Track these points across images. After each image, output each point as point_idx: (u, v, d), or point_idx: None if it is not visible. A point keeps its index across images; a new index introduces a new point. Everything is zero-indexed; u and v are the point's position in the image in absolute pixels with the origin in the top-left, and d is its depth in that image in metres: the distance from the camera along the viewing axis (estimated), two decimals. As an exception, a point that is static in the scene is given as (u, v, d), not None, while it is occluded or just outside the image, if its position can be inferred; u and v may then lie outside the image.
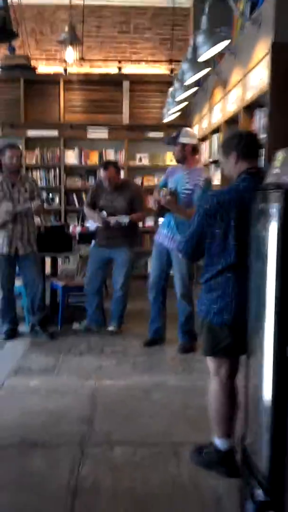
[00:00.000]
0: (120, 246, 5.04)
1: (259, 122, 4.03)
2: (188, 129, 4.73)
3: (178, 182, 4.44)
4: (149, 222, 7.58)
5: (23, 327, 5.18)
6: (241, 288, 2.49)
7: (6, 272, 4.90)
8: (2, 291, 4.92)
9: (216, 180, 5.31)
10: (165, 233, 4.56)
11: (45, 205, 5.72)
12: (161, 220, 4.76)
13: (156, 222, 6.99)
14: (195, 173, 4.46)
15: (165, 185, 4.61)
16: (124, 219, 4.91)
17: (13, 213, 4.71)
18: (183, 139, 4.46)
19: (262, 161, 3.75)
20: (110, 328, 5.11)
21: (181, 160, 4.51)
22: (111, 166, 5.06)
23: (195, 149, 4.58)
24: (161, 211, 4.44)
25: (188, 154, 4.49)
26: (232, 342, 2.56)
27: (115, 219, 4.93)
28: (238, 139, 2.67)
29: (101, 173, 5.05)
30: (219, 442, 2.67)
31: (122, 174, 7.51)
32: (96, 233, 5.24)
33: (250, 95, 4.16)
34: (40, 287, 4.96)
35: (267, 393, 2.08)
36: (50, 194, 7.86)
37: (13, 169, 4.80)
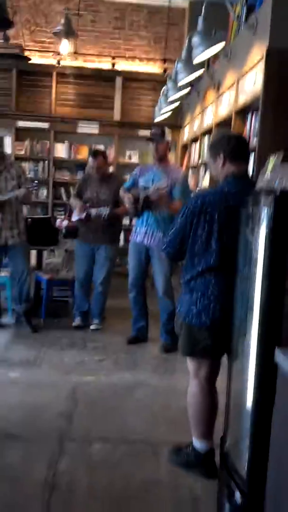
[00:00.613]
0: (101, 243, 5.04)
1: (251, 126, 4.05)
2: (167, 128, 4.76)
3: (154, 180, 4.47)
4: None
5: (6, 319, 5.16)
6: (221, 291, 2.51)
7: None
8: None
9: (205, 182, 5.33)
10: (143, 231, 4.56)
11: (32, 196, 5.66)
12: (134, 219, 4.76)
13: (131, 220, 7.01)
14: (172, 170, 4.60)
15: (133, 184, 4.65)
16: (104, 211, 4.90)
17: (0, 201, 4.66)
18: (167, 137, 4.59)
19: (251, 165, 3.79)
20: (92, 326, 5.11)
21: (163, 157, 4.57)
22: (100, 155, 5.10)
23: (170, 148, 4.80)
24: (138, 209, 4.45)
25: (168, 152, 4.65)
26: (211, 344, 2.57)
27: (96, 210, 4.92)
28: (226, 141, 2.66)
29: (90, 161, 5.08)
30: (197, 444, 2.69)
31: (111, 170, 7.51)
32: (79, 228, 5.23)
33: (243, 99, 4.18)
34: (28, 278, 4.92)
35: (250, 396, 2.10)
36: (35, 182, 7.75)
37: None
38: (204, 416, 2.66)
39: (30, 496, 2.44)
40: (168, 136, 4.62)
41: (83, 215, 4.99)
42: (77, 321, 5.17)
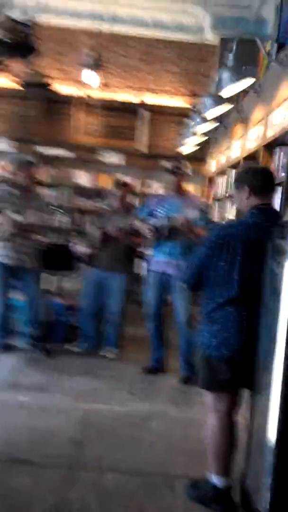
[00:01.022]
0: (115, 270, 4.99)
1: (279, 160, 4.04)
2: (184, 160, 4.79)
3: (175, 209, 4.45)
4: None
5: (19, 342, 5.09)
6: (242, 323, 2.48)
7: (4, 284, 4.83)
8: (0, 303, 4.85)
9: (230, 215, 5.32)
10: (164, 261, 4.52)
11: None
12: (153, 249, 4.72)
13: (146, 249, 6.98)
14: (192, 199, 4.69)
15: (149, 213, 4.62)
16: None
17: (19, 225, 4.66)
18: (186, 170, 4.61)
19: (279, 199, 3.77)
20: (107, 354, 5.03)
21: (181, 189, 4.61)
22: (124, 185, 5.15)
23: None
24: (162, 237, 4.44)
25: (186, 184, 4.71)
26: (230, 377, 2.51)
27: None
28: (252, 174, 2.67)
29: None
30: (216, 479, 2.58)
31: (137, 202, 7.53)
32: (93, 255, 5.22)
33: (271, 133, 4.19)
34: (41, 302, 4.90)
35: (272, 433, 2.04)
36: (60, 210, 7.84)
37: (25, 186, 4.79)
38: (223, 451, 2.57)
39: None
40: (187, 168, 4.62)
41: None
42: (77, 347, 5.11)
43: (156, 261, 4.60)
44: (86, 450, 3.10)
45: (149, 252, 4.80)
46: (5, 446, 3.05)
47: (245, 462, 2.36)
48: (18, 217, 4.68)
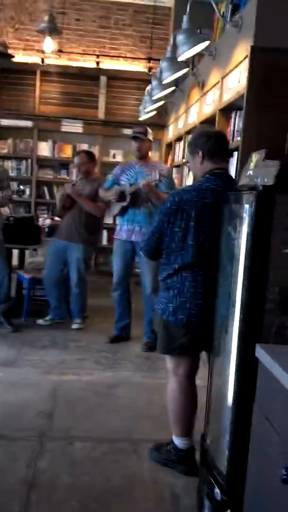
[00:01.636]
0: (76, 241, 5.00)
1: (235, 124, 4.05)
2: (148, 127, 4.76)
3: (138, 176, 4.49)
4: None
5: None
6: (198, 288, 2.50)
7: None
8: None
9: (189, 181, 5.33)
10: (129, 229, 4.55)
11: (15, 196, 5.57)
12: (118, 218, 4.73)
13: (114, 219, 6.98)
14: (155, 165, 4.67)
15: (113, 184, 4.64)
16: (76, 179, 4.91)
17: None
18: (150, 136, 4.64)
19: (234, 163, 3.80)
20: (74, 326, 5.08)
21: (145, 155, 4.64)
22: (82, 152, 5.21)
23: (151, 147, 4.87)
24: (123, 207, 4.50)
25: (150, 150, 4.74)
26: (188, 341, 2.56)
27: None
28: (206, 138, 2.63)
29: (75, 159, 5.13)
30: (178, 441, 2.67)
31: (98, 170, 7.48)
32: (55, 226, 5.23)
33: (227, 97, 4.18)
34: (6, 277, 4.87)
35: (231, 393, 2.09)
36: (21, 186, 7.75)
37: None
38: (184, 413, 2.65)
39: (10, 493, 2.41)
40: (150, 135, 4.65)
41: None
42: (45, 319, 5.15)
43: (121, 229, 4.63)
44: (55, 421, 3.17)
45: (116, 220, 4.81)
46: (-24, 421, 3.08)
47: (205, 423, 2.44)
48: None
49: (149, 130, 4.67)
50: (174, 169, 6.73)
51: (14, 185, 6.87)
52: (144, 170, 4.53)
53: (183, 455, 2.65)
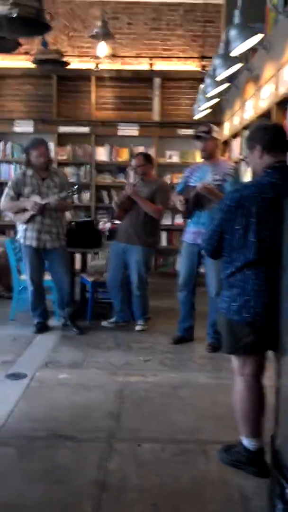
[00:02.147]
0: (134, 243, 5.02)
1: (293, 117, 3.97)
2: (213, 125, 4.68)
3: (205, 177, 4.41)
4: (178, 220, 7.55)
5: (54, 321, 5.24)
6: (262, 285, 2.46)
7: (35, 266, 4.92)
8: (32, 284, 4.95)
9: (247, 178, 5.25)
10: (195, 231, 4.53)
11: (73, 199, 5.65)
12: (188, 220, 4.73)
13: (185, 221, 6.98)
14: (222, 164, 4.51)
15: (184, 187, 4.61)
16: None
17: (41, 206, 4.72)
18: (215, 134, 4.51)
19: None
20: (137, 327, 5.12)
21: (211, 154, 4.51)
22: (140, 154, 5.17)
23: (219, 146, 4.75)
24: (191, 210, 4.45)
25: (217, 148, 4.57)
26: (253, 340, 2.52)
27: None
28: (263, 132, 2.57)
29: (132, 162, 5.13)
30: (247, 442, 2.64)
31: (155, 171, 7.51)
32: (115, 229, 5.27)
33: (283, 90, 4.10)
34: (67, 282, 4.97)
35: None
36: (75, 187, 7.86)
37: (42, 167, 4.83)
38: (252, 414, 2.61)
39: (82, 495, 2.46)
40: (216, 132, 4.54)
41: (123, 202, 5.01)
42: (109, 321, 5.20)
43: (189, 232, 4.62)
44: (122, 422, 3.21)
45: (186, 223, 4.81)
46: (47, 422, 3.17)
47: (275, 423, 2.40)
48: (38, 198, 4.74)
49: (215, 128, 4.54)
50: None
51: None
52: (210, 170, 4.42)
53: (252, 456, 2.61)
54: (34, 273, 4.93)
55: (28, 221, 4.79)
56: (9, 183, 4.95)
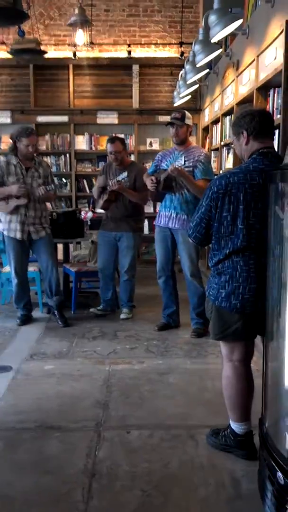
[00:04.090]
0: (125, 230, 5.04)
1: (274, 102, 3.96)
2: (187, 112, 4.68)
3: (176, 163, 4.43)
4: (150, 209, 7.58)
5: (37, 313, 5.22)
6: (250, 272, 2.46)
7: (19, 258, 4.88)
8: (16, 276, 4.91)
9: (228, 164, 5.26)
10: (166, 214, 4.54)
11: (57, 191, 5.60)
12: (158, 204, 4.74)
13: (154, 206, 7.00)
14: (193, 150, 4.55)
15: (155, 171, 4.64)
16: (122, 176, 4.85)
17: (27, 189, 4.67)
18: (187, 121, 4.54)
19: (276, 141, 3.70)
20: (122, 315, 5.12)
21: (183, 140, 4.55)
22: (117, 140, 5.07)
23: (191, 132, 4.78)
24: (161, 192, 4.48)
25: (188, 135, 4.61)
26: (242, 326, 2.53)
27: (114, 180, 4.88)
28: (249, 118, 2.55)
29: (108, 147, 5.04)
30: (235, 426, 2.66)
31: (133, 158, 7.48)
32: (102, 218, 5.24)
33: (263, 75, 4.09)
34: (55, 270, 4.94)
35: (287, 377, 2.06)
36: (63, 179, 7.83)
37: (28, 157, 4.77)
38: (240, 398, 2.63)
39: (72, 483, 2.45)
40: (189, 119, 4.57)
41: (107, 194, 4.97)
42: (96, 308, 5.19)
43: (160, 215, 4.63)
44: (110, 410, 3.21)
45: (157, 209, 4.81)
46: (35, 414, 3.16)
47: (263, 407, 2.42)
48: (23, 189, 4.69)
49: (187, 114, 4.56)
50: (212, 152, 6.65)
51: (56, 180, 6.92)
52: (181, 156, 4.49)
53: (241, 439, 2.63)
54: (18, 265, 4.89)
55: (11, 213, 4.74)
56: None
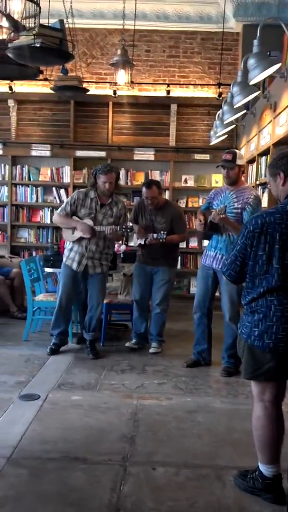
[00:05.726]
0: (160, 266, 5.09)
1: (310, 144, 3.99)
2: (238, 151, 4.72)
3: (225, 203, 4.45)
4: (193, 243, 7.63)
5: (68, 343, 5.24)
6: (283, 312, 2.45)
7: (68, 286, 4.93)
8: (59, 304, 4.95)
9: (263, 203, 5.26)
10: (211, 255, 4.56)
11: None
12: (206, 242, 4.76)
13: (200, 243, 7.00)
14: (244, 192, 4.50)
15: (208, 207, 4.66)
16: (161, 236, 4.90)
17: (93, 232, 4.75)
18: (239, 161, 4.53)
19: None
20: (151, 349, 5.10)
21: (235, 181, 4.53)
22: (154, 185, 5.10)
23: (244, 171, 4.68)
24: (207, 232, 4.49)
25: (241, 175, 4.58)
26: (274, 367, 2.50)
27: (154, 235, 4.95)
28: (287, 160, 2.58)
29: (143, 191, 5.10)
30: (264, 469, 2.60)
31: (167, 195, 7.57)
32: (138, 253, 5.29)
33: (301, 117, 4.14)
34: (100, 308, 4.97)
35: None
36: (129, 223, 7.91)
37: (106, 193, 4.86)
38: (270, 440, 2.58)
39: (96, 518, 2.43)
40: (240, 159, 4.56)
41: (143, 240, 5.04)
42: (131, 342, 5.18)
43: (207, 255, 4.65)
44: (137, 445, 3.18)
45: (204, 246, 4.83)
46: (61, 444, 3.16)
47: (293, 450, 2.37)
48: (90, 223, 4.78)
49: (239, 154, 4.57)
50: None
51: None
52: (231, 196, 4.49)
53: (269, 482, 2.57)
54: (65, 293, 4.94)
55: (74, 242, 4.84)
56: (69, 199, 5.01)
